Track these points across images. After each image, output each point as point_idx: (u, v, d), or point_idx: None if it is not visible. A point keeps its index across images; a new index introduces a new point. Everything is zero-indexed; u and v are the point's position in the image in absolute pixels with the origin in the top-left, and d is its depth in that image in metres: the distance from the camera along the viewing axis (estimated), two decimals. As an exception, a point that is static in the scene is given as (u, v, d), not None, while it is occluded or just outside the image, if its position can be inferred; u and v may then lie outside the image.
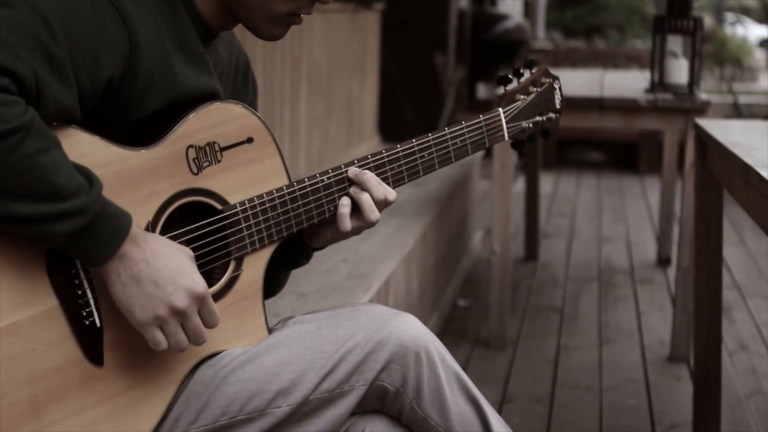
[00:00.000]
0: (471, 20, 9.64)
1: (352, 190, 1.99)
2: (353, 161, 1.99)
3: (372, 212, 1.98)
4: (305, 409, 1.86)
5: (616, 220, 7.67)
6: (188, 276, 1.72)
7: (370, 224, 1.99)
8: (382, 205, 2.00)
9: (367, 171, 2.00)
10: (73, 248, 1.65)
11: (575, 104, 4.53)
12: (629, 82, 5.47)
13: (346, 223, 1.98)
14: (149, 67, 1.76)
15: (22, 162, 1.55)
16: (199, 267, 1.88)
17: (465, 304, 5.35)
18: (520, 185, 7.35)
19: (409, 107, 7.67)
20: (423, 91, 7.96)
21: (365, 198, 1.98)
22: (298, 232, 2.00)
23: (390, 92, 7.49)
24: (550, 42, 13.61)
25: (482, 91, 9.76)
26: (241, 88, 2.11)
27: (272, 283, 2.10)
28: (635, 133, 9.73)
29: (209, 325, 1.77)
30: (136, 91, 1.76)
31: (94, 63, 1.68)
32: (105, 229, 1.64)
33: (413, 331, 1.89)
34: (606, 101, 4.61)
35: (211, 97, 1.87)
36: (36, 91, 1.60)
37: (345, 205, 1.98)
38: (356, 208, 1.99)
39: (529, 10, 14.14)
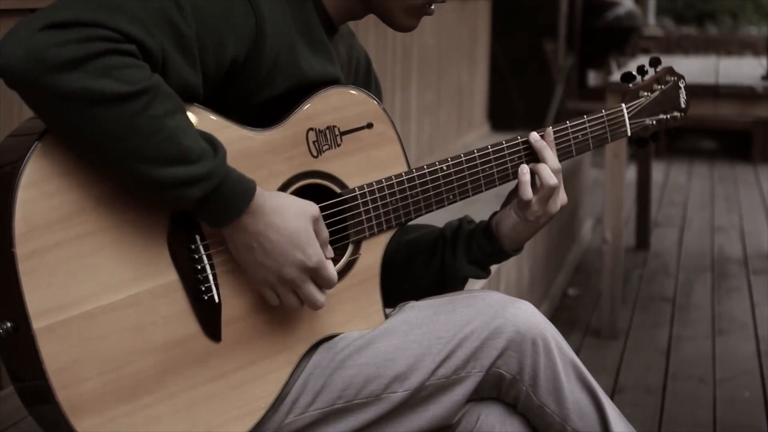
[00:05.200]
0: (582, 7, 9.54)
1: (529, 161, 2.00)
2: (488, 146, 2.00)
3: (550, 178, 1.98)
4: (421, 395, 1.86)
5: (729, 210, 7.54)
6: (300, 249, 1.73)
7: (549, 189, 1.98)
8: (557, 174, 2.00)
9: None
10: (201, 211, 1.67)
11: (689, 91, 4.46)
12: (745, 70, 5.38)
13: (528, 192, 1.98)
14: (274, 51, 1.78)
15: (152, 123, 1.58)
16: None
17: (575, 293, 5.32)
18: (630, 174, 7.27)
19: (518, 95, 7.62)
20: (532, 79, 7.89)
21: (542, 167, 1.99)
22: (489, 231, 2.03)
23: (499, 80, 7.45)
24: (662, 29, 13.42)
25: (592, 78, 9.67)
26: (363, 87, 2.10)
27: (450, 285, 2.09)
28: (748, 121, 9.55)
29: (325, 287, 1.79)
30: (260, 75, 1.78)
31: (219, 45, 1.70)
32: (231, 194, 1.66)
33: (530, 318, 1.88)
34: (721, 88, 4.53)
35: (333, 84, 1.89)
36: (162, 65, 1.63)
37: (525, 173, 1.99)
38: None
39: (640, -4, 13.96)
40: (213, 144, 1.67)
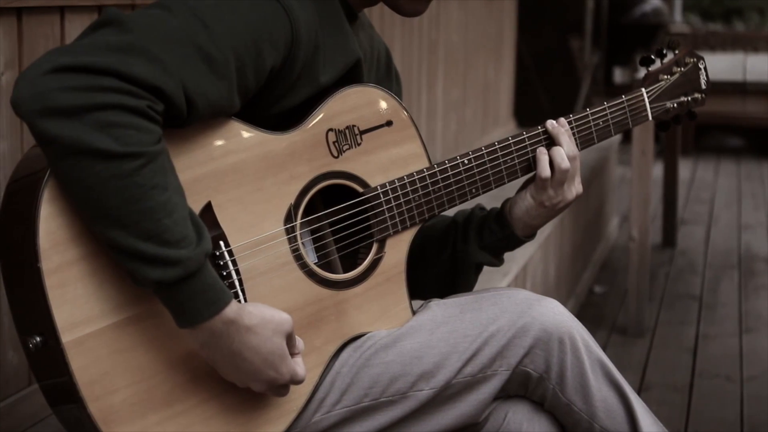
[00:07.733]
0: (608, 3, 9.51)
1: (540, 149, 2.00)
2: (508, 138, 2.00)
3: (562, 160, 1.98)
4: (448, 393, 1.85)
5: (757, 207, 7.50)
6: (274, 368, 1.67)
7: (562, 173, 1.98)
8: (573, 161, 1.99)
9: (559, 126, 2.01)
10: (161, 299, 1.60)
11: (716, 88, 4.39)
12: (773, 66, 5.35)
13: (546, 170, 1.97)
14: (306, 55, 1.76)
15: (134, 190, 1.51)
16: (342, 249, 1.90)
17: (601, 291, 5.30)
18: (657, 171, 7.24)
19: (544, 92, 7.60)
20: (558, 76, 7.87)
21: (556, 149, 1.98)
22: (501, 216, 2.03)
23: (525, 77, 7.43)
24: (688, 25, 13.35)
25: (619, 75, 9.63)
26: (385, 79, 2.10)
27: (461, 284, 2.09)
28: (777, 118, 9.48)
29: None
30: (290, 82, 1.76)
31: (258, 57, 1.67)
32: (196, 296, 1.58)
33: (557, 316, 1.87)
34: (749, 85, 4.52)
35: (356, 64, 1.87)
36: (188, 101, 1.58)
37: (543, 152, 1.99)
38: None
39: (666, -8, 13.89)
40: (200, 234, 1.59)
